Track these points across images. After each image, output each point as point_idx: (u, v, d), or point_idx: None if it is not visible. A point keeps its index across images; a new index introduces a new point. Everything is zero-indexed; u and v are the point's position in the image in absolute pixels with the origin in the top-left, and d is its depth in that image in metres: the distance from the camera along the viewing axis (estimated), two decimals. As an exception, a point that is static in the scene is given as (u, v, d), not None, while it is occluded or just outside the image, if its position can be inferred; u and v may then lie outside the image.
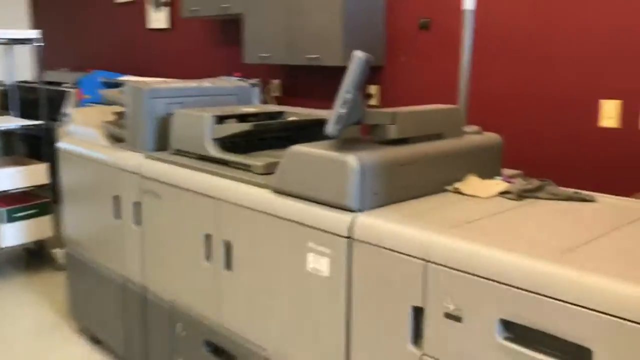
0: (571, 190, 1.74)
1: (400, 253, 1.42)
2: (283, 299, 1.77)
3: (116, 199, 2.48)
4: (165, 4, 5.41)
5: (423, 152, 1.72)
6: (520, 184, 1.79)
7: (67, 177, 2.86)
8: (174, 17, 5.34)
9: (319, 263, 1.63)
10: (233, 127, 2.08)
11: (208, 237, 2.03)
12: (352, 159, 1.55)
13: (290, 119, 2.31)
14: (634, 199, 1.70)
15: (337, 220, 1.57)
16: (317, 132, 2.32)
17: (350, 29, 3.33)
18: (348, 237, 1.55)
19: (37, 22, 7.15)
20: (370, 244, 1.50)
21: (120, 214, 2.47)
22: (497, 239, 1.34)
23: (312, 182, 1.65)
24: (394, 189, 1.64)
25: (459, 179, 1.84)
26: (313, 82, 4.10)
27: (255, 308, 1.88)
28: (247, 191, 1.87)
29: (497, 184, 1.84)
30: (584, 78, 2.70)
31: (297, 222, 1.68)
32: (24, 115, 4.32)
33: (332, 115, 1.56)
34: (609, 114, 2.56)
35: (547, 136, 2.87)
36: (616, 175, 2.68)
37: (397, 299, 1.45)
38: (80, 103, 4.72)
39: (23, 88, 4.93)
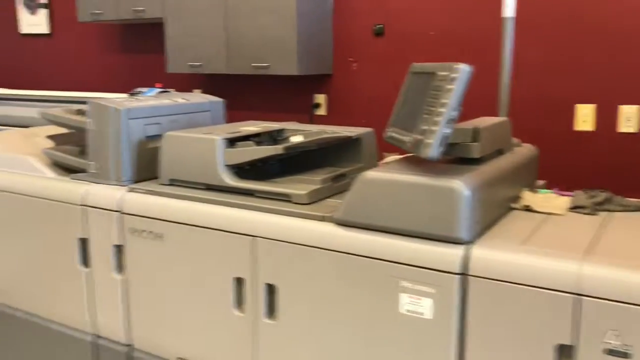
0: (634, 200, 1.72)
1: (542, 288, 1.28)
2: (359, 347, 1.53)
3: (83, 243, 2.04)
4: (42, 5, 4.73)
5: (504, 170, 1.59)
6: (582, 196, 1.73)
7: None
8: (54, 21, 4.70)
9: (417, 304, 1.43)
10: (256, 152, 1.78)
11: (239, 282, 1.72)
12: (459, 185, 1.37)
13: (295, 138, 2.05)
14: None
15: (446, 255, 1.38)
16: (325, 152, 2.09)
17: (303, 35, 3.10)
18: (461, 274, 1.37)
19: None
20: (494, 280, 1.33)
21: (88, 260, 2.04)
22: (647, 264, 1.25)
23: (400, 213, 1.44)
24: (487, 214, 1.49)
25: (517, 195, 1.74)
26: (243, 92, 3.80)
27: (312, 360, 1.62)
28: (297, 225, 1.60)
29: (557, 198, 1.76)
30: (561, 84, 2.75)
31: (382, 259, 1.46)
32: None
33: (434, 136, 1.37)
34: (585, 117, 2.64)
35: (529, 141, 2.90)
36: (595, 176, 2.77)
37: (534, 339, 1.30)
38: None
39: None
